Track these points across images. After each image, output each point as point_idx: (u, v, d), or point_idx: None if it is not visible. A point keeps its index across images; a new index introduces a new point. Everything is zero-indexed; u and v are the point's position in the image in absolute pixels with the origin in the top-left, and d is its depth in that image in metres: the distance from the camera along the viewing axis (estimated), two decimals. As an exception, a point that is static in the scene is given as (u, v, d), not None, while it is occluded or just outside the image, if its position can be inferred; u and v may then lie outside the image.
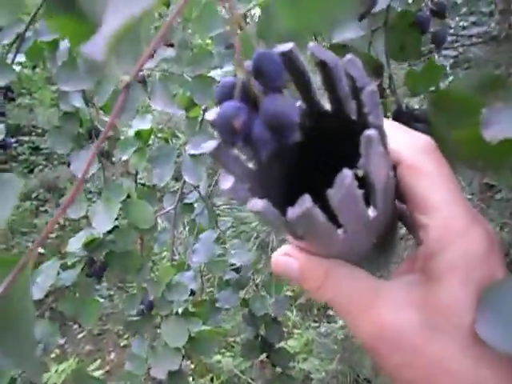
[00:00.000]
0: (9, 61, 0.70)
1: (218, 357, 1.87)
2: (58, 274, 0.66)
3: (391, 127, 0.23)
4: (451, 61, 0.96)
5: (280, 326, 0.92)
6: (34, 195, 2.53)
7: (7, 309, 0.19)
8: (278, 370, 0.98)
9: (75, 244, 0.65)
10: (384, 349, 0.21)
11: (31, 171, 2.88)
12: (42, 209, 2.56)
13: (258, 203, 0.18)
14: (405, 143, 0.23)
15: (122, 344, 2.16)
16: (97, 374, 1.93)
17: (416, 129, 0.24)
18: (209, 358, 1.65)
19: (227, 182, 0.19)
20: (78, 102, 0.64)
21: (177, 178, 1.12)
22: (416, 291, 0.21)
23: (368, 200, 0.20)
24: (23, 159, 2.91)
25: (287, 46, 0.19)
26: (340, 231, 0.19)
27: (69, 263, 0.69)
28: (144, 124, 0.91)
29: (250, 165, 0.22)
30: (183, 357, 0.68)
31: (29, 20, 0.67)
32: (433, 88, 0.44)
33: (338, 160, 0.24)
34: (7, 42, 0.69)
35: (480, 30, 0.95)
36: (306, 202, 0.18)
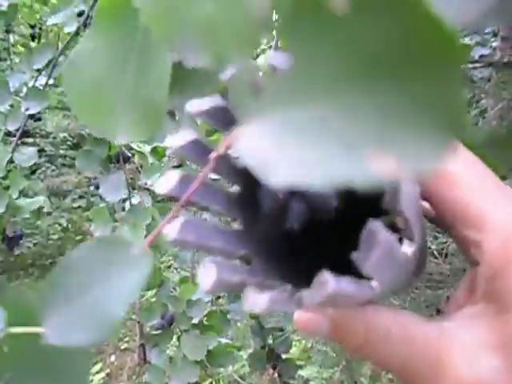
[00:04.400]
0: (39, 85, 0.73)
1: (217, 362, 1.90)
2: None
3: None
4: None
5: (287, 337, 0.95)
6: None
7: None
8: (278, 377, 1.01)
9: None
10: None
11: (33, 172, 2.91)
12: (44, 211, 2.59)
13: (259, 301, 0.14)
14: None
15: (122, 347, 2.18)
16: (98, 377, 1.97)
17: None
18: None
19: (209, 275, 0.15)
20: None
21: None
22: (487, 327, 0.17)
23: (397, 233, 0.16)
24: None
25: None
26: (375, 284, 0.15)
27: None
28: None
29: (235, 225, 0.18)
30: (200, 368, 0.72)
31: (62, 47, 0.70)
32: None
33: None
34: (38, 67, 0.72)
35: (484, 52, 0.99)
36: (328, 283, 0.14)
